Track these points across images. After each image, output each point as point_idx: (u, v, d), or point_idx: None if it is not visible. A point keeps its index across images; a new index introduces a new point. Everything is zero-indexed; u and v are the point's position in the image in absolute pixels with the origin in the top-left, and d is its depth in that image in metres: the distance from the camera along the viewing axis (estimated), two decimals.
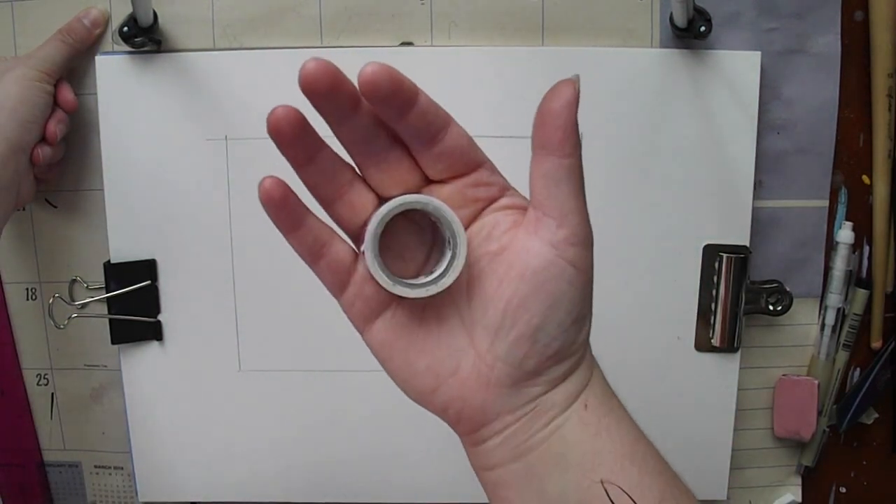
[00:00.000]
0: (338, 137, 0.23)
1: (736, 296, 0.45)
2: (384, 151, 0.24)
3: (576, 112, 0.23)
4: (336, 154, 0.24)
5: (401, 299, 0.25)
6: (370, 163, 0.24)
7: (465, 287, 0.25)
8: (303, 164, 0.24)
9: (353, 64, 0.48)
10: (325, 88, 0.22)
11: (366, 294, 0.25)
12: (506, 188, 0.25)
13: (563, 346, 0.25)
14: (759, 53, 0.44)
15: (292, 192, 0.24)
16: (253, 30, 0.45)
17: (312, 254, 0.25)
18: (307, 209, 0.24)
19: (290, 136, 0.23)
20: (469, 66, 0.44)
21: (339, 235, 0.25)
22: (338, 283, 0.25)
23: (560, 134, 0.23)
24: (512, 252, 0.24)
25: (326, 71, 0.22)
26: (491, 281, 0.25)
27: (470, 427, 0.26)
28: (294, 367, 0.46)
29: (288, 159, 0.23)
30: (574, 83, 0.23)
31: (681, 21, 0.41)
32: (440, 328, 0.25)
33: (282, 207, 0.24)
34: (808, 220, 0.46)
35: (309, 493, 0.48)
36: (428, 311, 0.25)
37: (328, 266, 0.25)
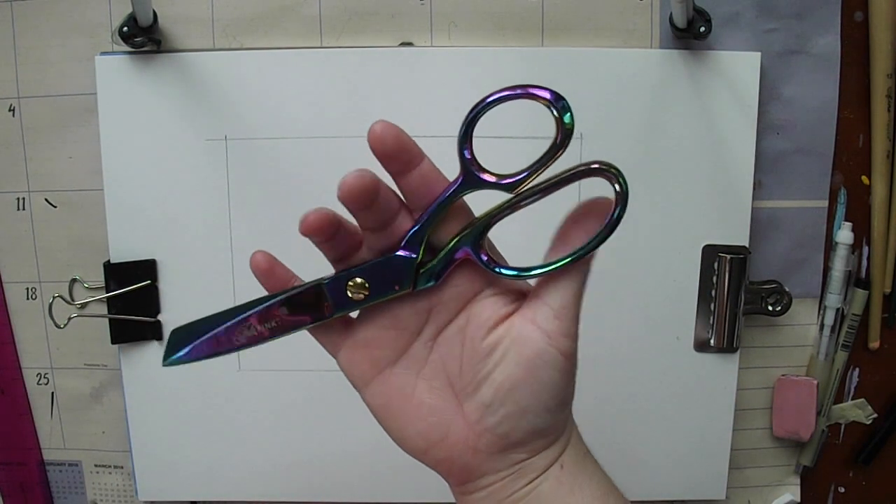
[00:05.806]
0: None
1: (735, 296, 0.45)
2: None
3: (602, 225, 0.26)
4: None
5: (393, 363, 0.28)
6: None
7: (460, 361, 0.27)
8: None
9: (354, 64, 0.48)
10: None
11: (358, 358, 0.28)
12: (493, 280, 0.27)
13: (548, 425, 0.27)
14: (758, 54, 0.44)
15: (278, 263, 0.29)
16: (253, 30, 0.45)
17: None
18: (293, 275, 0.29)
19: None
20: (469, 66, 0.43)
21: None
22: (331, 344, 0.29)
23: (585, 239, 0.26)
24: (508, 337, 0.26)
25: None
26: (486, 362, 0.27)
27: (457, 481, 0.29)
28: (294, 366, 0.46)
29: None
30: (611, 202, 0.26)
31: (680, 21, 0.41)
32: (432, 399, 0.28)
33: (269, 276, 0.29)
34: (807, 220, 0.46)
35: (309, 492, 0.48)
36: (420, 381, 0.28)
37: (321, 328, 0.29)
